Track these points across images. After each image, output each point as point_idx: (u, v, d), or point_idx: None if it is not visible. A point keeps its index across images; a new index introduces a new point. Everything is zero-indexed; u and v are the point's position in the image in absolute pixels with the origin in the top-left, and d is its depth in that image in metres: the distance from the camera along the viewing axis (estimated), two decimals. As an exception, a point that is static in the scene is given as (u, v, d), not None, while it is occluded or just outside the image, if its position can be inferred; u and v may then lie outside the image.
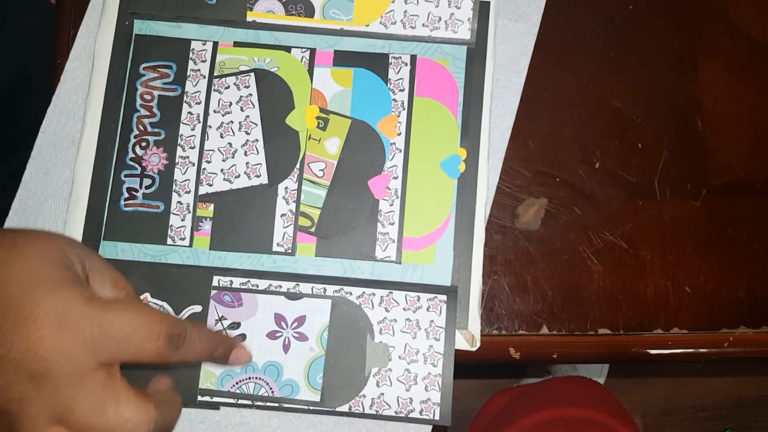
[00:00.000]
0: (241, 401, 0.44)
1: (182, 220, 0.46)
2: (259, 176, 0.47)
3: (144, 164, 0.47)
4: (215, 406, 0.44)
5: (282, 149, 0.47)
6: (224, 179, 0.47)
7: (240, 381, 0.44)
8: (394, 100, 0.47)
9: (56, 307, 0.31)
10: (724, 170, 0.48)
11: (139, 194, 0.46)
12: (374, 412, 0.44)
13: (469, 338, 0.45)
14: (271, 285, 0.45)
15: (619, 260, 0.47)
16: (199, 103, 0.47)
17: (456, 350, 0.44)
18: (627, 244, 0.47)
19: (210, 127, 0.47)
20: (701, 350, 0.46)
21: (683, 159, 0.48)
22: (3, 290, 0.31)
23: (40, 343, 0.30)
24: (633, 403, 1.15)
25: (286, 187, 0.47)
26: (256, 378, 0.44)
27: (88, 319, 0.31)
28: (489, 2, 0.48)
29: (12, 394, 0.30)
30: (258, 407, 0.44)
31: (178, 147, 0.47)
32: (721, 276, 0.47)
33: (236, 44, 0.48)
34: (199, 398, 0.44)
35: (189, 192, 0.46)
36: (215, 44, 0.48)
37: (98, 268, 0.35)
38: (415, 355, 0.44)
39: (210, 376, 0.44)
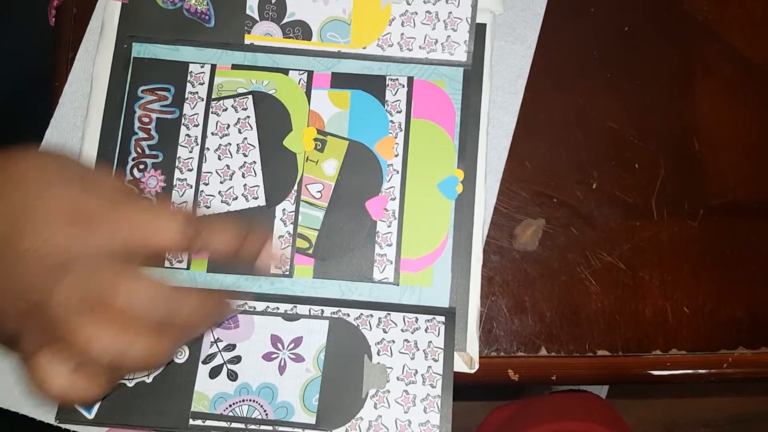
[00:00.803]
0: (234, 424, 0.44)
1: (180, 242, 0.46)
2: (256, 198, 0.47)
3: (142, 186, 0.47)
4: (207, 430, 0.44)
5: (280, 171, 0.47)
6: (222, 201, 0.47)
7: (233, 404, 0.44)
8: (391, 121, 0.48)
9: (69, 202, 0.32)
10: (721, 190, 0.48)
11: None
12: None
13: (468, 360, 0.45)
14: (268, 307, 0.45)
15: (617, 281, 0.47)
16: (197, 126, 0.47)
17: (454, 372, 0.44)
18: (625, 264, 0.47)
19: (208, 149, 0.47)
20: (700, 371, 0.46)
21: (680, 179, 0.48)
22: (16, 192, 0.32)
23: (56, 236, 0.31)
24: (634, 420, 1.14)
25: (284, 209, 0.47)
26: (250, 400, 0.44)
27: (107, 212, 0.33)
28: (485, 24, 0.49)
29: (42, 284, 0.31)
30: (251, 431, 0.44)
31: (176, 169, 0.47)
32: (719, 296, 0.46)
33: (234, 67, 0.48)
34: (191, 422, 0.43)
35: (187, 214, 0.46)
36: (213, 67, 0.48)
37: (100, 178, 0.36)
38: (414, 376, 0.44)
39: (202, 398, 0.44)
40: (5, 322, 0.32)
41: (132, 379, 0.44)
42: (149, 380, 0.44)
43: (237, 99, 0.48)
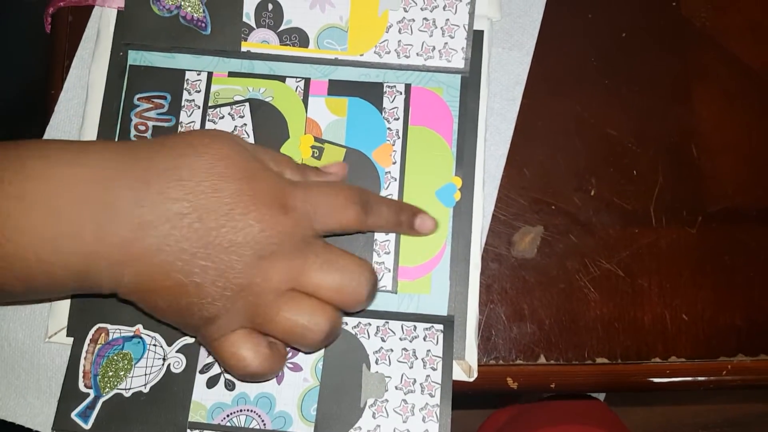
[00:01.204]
0: (233, 435, 0.43)
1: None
2: (253, 206, 0.47)
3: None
4: None
5: (277, 179, 0.47)
6: (219, 209, 0.46)
7: (231, 414, 0.44)
8: (389, 128, 0.48)
9: (269, 191, 0.36)
10: (719, 197, 0.48)
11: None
12: None
13: (466, 369, 0.45)
14: (266, 316, 0.45)
15: (616, 288, 0.47)
16: (193, 134, 0.47)
17: (453, 381, 0.44)
18: (624, 271, 0.47)
19: (204, 157, 0.47)
20: (699, 379, 0.45)
21: (679, 186, 0.48)
22: (221, 183, 0.35)
23: (265, 225, 0.35)
24: (633, 422, 1.14)
25: (281, 217, 0.46)
26: (248, 410, 0.44)
27: (298, 198, 0.37)
28: (482, 31, 0.49)
29: (251, 269, 0.35)
30: (252, 441, 0.44)
31: (173, 177, 0.47)
32: (718, 304, 0.46)
33: (231, 74, 0.48)
34: (191, 432, 0.43)
35: (183, 222, 0.46)
36: (210, 74, 0.48)
37: (272, 156, 0.41)
38: (412, 385, 0.44)
39: (200, 408, 0.44)
40: (210, 305, 0.35)
41: (129, 389, 0.44)
42: (146, 390, 0.44)
43: (234, 107, 0.47)
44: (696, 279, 0.47)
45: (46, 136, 0.47)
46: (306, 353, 0.44)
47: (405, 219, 0.44)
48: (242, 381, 0.44)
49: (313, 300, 0.37)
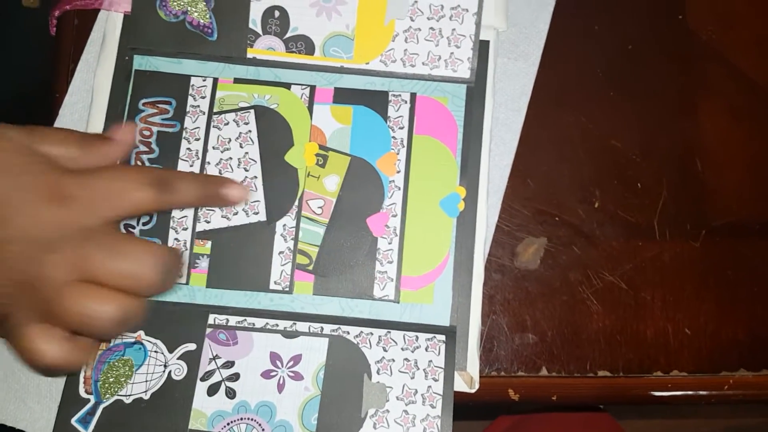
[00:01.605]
0: (234, 443, 0.44)
1: (179, 256, 0.46)
2: (257, 213, 0.47)
3: (141, 200, 0.47)
4: None
5: (281, 186, 0.47)
6: (222, 216, 0.47)
7: (232, 422, 0.44)
8: (393, 137, 0.48)
9: (40, 184, 0.35)
10: (723, 211, 0.48)
11: (136, 231, 0.46)
12: None
13: (468, 380, 0.45)
14: (267, 324, 0.45)
15: (618, 301, 0.47)
16: (198, 140, 0.47)
17: (454, 392, 0.44)
18: (627, 284, 0.47)
19: (209, 163, 0.47)
20: (701, 393, 0.46)
21: (683, 199, 0.48)
22: None
23: (39, 219, 0.34)
24: (633, 430, 1.14)
25: (285, 225, 0.47)
26: (249, 419, 0.44)
27: (75, 186, 0.35)
28: (488, 41, 0.49)
29: (31, 263, 0.34)
30: (252, 449, 0.44)
31: (176, 183, 0.47)
32: (720, 318, 0.47)
33: (236, 81, 0.48)
34: (191, 439, 0.43)
35: (186, 229, 0.46)
36: (215, 80, 0.48)
37: (54, 138, 0.38)
38: (414, 396, 0.44)
39: (200, 416, 0.44)
40: None
41: (129, 395, 0.44)
42: (147, 397, 0.44)
43: (239, 113, 0.48)
44: (699, 293, 0.47)
45: (50, 140, 0.47)
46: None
47: (212, 192, 0.41)
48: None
49: (101, 289, 0.35)
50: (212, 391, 0.44)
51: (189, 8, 0.48)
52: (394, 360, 0.45)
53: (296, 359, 0.45)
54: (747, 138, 0.50)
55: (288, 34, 0.48)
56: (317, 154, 0.47)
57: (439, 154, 0.47)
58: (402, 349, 0.45)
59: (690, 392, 0.46)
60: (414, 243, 0.46)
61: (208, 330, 0.45)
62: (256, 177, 0.47)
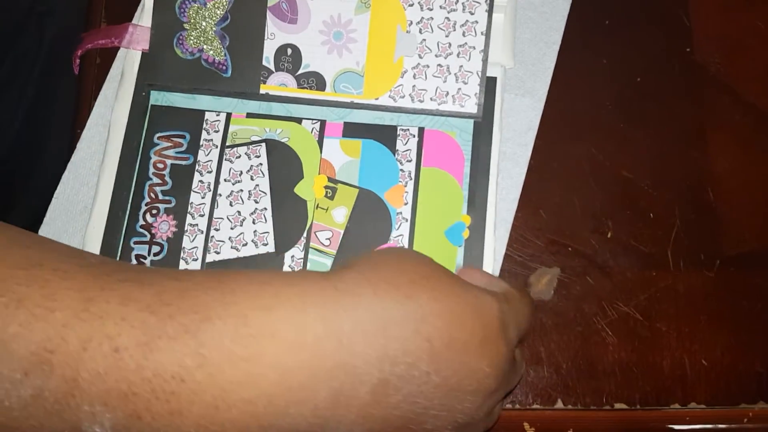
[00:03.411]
0: None
1: (188, 287, 0.48)
2: (266, 244, 0.49)
3: (153, 231, 0.49)
4: None
5: (290, 218, 0.49)
6: (232, 247, 0.49)
7: None
8: (401, 170, 0.50)
9: (495, 328, 0.36)
10: (737, 241, 0.49)
11: (147, 261, 0.49)
12: None
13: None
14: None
15: (634, 332, 0.47)
16: (210, 172, 0.50)
17: None
18: (642, 315, 0.48)
19: (220, 195, 0.50)
20: (720, 426, 0.45)
21: (696, 229, 0.50)
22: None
23: (493, 367, 0.35)
24: None
25: (293, 256, 0.49)
26: None
27: (509, 318, 0.37)
28: (495, 78, 0.52)
29: (479, 408, 0.36)
30: None
31: (188, 215, 0.49)
32: (737, 349, 0.47)
33: (249, 115, 0.51)
34: None
35: (197, 260, 0.49)
36: (228, 115, 0.51)
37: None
38: None
39: None
40: None
41: None
42: None
43: (251, 146, 0.50)
44: (714, 324, 0.48)
45: (67, 172, 0.50)
46: None
47: None
48: None
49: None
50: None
51: (205, 46, 0.51)
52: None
53: None
54: (757, 169, 0.51)
55: (300, 71, 0.51)
56: (326, 187, 0.50)
57: (446, 185, 0.49)
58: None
59: (709, 426, 0.45)
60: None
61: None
62: (266, 209, 0.49)
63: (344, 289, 0.34)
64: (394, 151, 0.50)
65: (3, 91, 0.58)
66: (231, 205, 0.50)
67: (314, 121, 0.51)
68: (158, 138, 0.51)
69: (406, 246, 0.48)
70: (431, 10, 0.51)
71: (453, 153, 0.50)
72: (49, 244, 0.35)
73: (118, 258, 0.48)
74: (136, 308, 0.31)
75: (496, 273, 0.48)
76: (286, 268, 0.48)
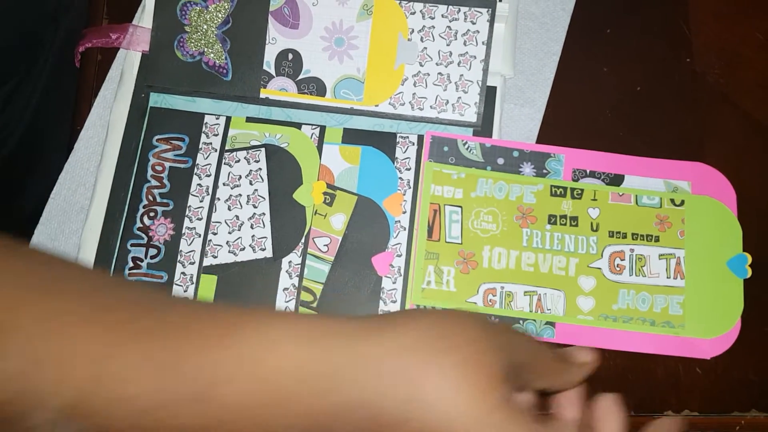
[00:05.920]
0: None
1: (185, 291, 0.50)
2: (264, 249, 0.51)
3: (151, 234, 0.51)
4: None
5: (288, 223, 0.52)
6: (229, 251, 0.51)
7: None
8: (400, 178, 0.53)
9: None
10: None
11: (144, 264, 0.51)
12: None
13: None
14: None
15: (628, 342, 0.50)
16: (209, 176, 0.52)
17: None
18: (636, 325, 0.51)
19: (218, 199, 0.52)
20: (713, 434, 0.49)
21: (691, 241, 0.53)
22: None
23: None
24: None
25: (290, 261, 0.51)
26: None
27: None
28: (495, 87, 0.55)
29: None
30: None
31: (186, 218, 0.52)
32: (731, 358, 0.50)
33: (249, 119, 0.54)
34: None
35: (193, 263, 0.51)
36: (228, 119, 0.54)
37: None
38: None
39: None
40: None
41: None
42: None
43: (250, 151, 0.53)
44: (709, 333, 0.51)
45: (64, 172, 0.53)
46: None
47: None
48: None
49: None
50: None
51: (205, 49, 0.54)
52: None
53: None
54: (753, 177, 0.54)
55: (300, 76, 0.54)
56: (325, 193, 0.52)
57: (447, 193, 0.52)
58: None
59: (702, 433, 0.49)
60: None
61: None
62: (264, 214, 0.52)
63: None
64: (393, 158, 0.53)
65: (22, 83, 0.60)
66: (229, 209, 0.52)
67: (314, 127, 0.54)
68: (157, 140, 0.53)
69: (404, 253, 0.51)
70: (433, 18, 0.54)
71: (452, 161, 0.53)
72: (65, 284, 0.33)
73: (114, 260, 0.51)
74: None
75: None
76: (283, 274, 0.51)
